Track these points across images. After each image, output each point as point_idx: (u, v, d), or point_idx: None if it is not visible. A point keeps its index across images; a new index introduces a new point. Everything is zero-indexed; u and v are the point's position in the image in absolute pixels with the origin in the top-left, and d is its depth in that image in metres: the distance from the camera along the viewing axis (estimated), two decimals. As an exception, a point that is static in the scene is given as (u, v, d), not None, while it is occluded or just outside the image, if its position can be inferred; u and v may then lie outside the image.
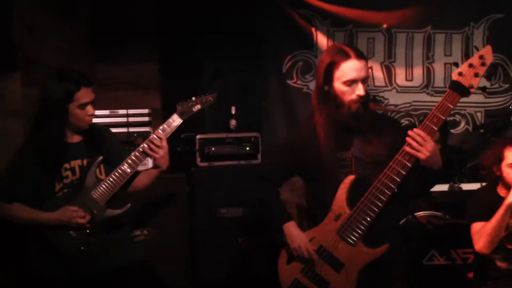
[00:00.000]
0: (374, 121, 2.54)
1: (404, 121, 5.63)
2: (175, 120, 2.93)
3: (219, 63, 5.51)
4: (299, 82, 5.62)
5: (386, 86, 5.72)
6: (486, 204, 3.22)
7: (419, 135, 2.29)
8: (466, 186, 4.31)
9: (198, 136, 4.25)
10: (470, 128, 5.68)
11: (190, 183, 4.15)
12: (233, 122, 4.59)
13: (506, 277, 3.16)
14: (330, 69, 2.45)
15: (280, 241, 2.66)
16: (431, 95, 5.74)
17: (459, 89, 2.26)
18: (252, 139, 4.35)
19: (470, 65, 2.26)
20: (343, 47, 2.48)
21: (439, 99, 5.68)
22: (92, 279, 2.78)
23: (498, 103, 5.69)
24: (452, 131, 5.37)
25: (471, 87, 2.25)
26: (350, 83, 2.42)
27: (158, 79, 5.05)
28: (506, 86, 5.69)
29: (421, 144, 2.28)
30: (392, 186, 2.35)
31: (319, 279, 2.51)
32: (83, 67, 4.46)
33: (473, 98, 5.68)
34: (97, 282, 2.79)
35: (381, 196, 2.36)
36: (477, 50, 2.29)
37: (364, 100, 2.45)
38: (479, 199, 3.36)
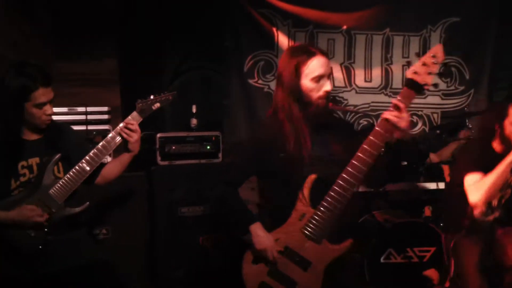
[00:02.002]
0: (333, 124, 2.63)
1: (363, 122, 5.72)
2: (135, 118, 2.91)
3: (181, 61, 5.48)
4: (260, 81, 5.64)
5: (346, 86, 5.79)
6: (480, 157, 3.18)
7: (397, 106, 2.34)
8: (423, 186, 4.38)
9: (158, 135, 4.21)
10: (427, 129, 5.80)
11: (150, 181, 4.11)
12: (194, 121, 4.57)
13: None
14: (298, 67, 2.48)
15: (243, 240, 2.62)
16: (390, 96, 5.84)
17: (414, 87, 2.32)
18: (213, 138, 4.33)
19: (424, 64, 2.31)
20: (307, 46, 2.58)
21: (397, 100, 5.84)
22: (50, 278, 2.73)
23: (454, 105, 5.82)
24: (410, 131, 5.46)
25: (425, 84, 2.32)
26: (318, 79, 2.49)
27: (118, 76, 4.98)
28: (462, 88, 5.83)
29: (399, 116, 2.34)
30: (354, 182, 2.39)
31: (286, 279, 2.51)
32: (44, 63, 4.38)
33: (429, 99, 5.82)
34: (55, 281, 2.74)
35: (344, 193, 2.40)
36: (418, 57, 2.34)
37: (329, 96, 2.54)
38: (473, 151, 3.31)
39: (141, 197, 4.04)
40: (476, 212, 3.09)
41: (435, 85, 2.36)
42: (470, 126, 4.65)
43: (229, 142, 4.63)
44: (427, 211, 4.48)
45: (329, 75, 2.53)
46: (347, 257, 2.56)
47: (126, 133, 2.87)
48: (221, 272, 3.93)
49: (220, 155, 4.36)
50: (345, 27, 5.79)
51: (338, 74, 5.81)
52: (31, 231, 2.70)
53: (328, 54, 2.59)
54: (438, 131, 5.18)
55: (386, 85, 5.83)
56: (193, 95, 5.34)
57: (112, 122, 4.10)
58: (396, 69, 5.84)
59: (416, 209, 4.41)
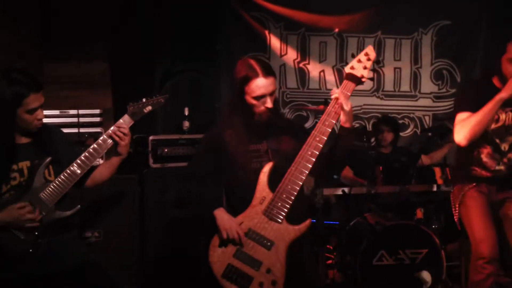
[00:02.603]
0: (284, 126, 2.88)
1: (355, 124, 5.73)
2: (126, 121, 2.91)
3: (173, 63, 5.49)
4: (252, 84, 5.64)
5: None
6: (477, 95, 3.15)
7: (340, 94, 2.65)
8: (414, 188, 4.39)
9: (150, 137, 4.21)
10: (418, 131, 5.83)
11: (143, 184, 4.10)
12: (186, 123, 4.57)
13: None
14: (243, 83, 2.72)
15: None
16: (381, 98, 5.87)
17: (353, 79, 2.69)
18: (205, 141, 4.32)
19: (359, 61, 2.69)
20: (253, 64, 2.74)
21: (389, 102, 5.90)
22: (41, 281, 2.72)
23: (445, 107, 5.85)
24: (401, 134, 5.48)
25: (362, 77, 2.68)
26: (259, 98, 2.71)
27: (109, 79, 4.97)
28: (453, 90, 5.86)
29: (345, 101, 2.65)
30: (309, 165, 2.63)
31: (252, 260, 2.65)
32: (32, 65, 4.36)
33: (421, 102, 5.87)
34: (46, 284, 2.73)
35: (299, 175, 2.63)
36: (353, 56, 2.72)
37: (273, 109, 2.77)
38: (471, 89, 3.33)
39: (133, 200, 4.03)
40: (483, 156, 3.13)
41: (371, 78, 2.76)
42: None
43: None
44: (419, 213, 4.49)
45: (271, 93, 2.74)
46: (308, 238, 2.76)
47: (117, 136, 2.88)
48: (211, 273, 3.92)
49: (212, 157, 4.34)
50: (337, 30, 5.83)
51: (330, 77, 5.84)
52: (21, 234, 2.68)
53: (274, 72, 2.78)
54: (429, 134, 5.21)
55: (378, 88, 5.86)
56: (185, 97, 5.35)
57: (104, 124, 4.09)
58: (388, 72, 5.87)
59: (407, 211, 4.42)
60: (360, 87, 5.89)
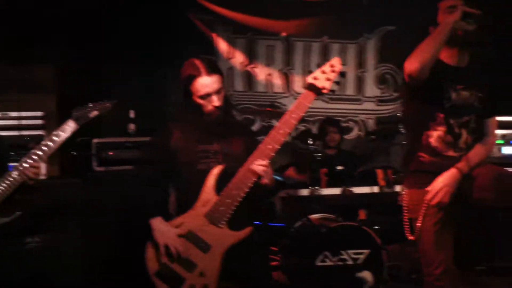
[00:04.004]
0: (236, 127, 2.93)
1: (301, 127, 5.81)
2: (70, 126, 2.88)
3: (120, 66, 5.43)
4: (199, 87, 5.64)
5: (284, 92, 5.88)
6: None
7: (264, 162, 2.62)
8: (357, 190, 4.49)
9: (94, 140, 4.16)
10: (362, 135, 5.96)
11: (86, 188, 4.05)
12: (132, 126, 4.54)
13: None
14: (188, 83, 2.74)
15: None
16: (327, 102, 5.97)
17: (314, 90, 2.64)
18: (153, 144, 4.30)
19: (323, 72, 2.64)
20: (196, 63, 2.76)
21: (334, 105, 5.98)
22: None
23: (388, 111, 6.00)
24: (345, 137, 5.58)
25: (323, 88, 2.63)
26: (205, 97, 2.72)
27: (55, 81, 4.89)
28: (396, 94, 6.01)
29: (264, 170, 2.63)
30: (252, 177, 2.63)
31: (186, 261, 2.65)
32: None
33: (365, 105, 6.00)
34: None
35: (246, 181, 2.63)
36: (318, 66, 2.71)
37: (223, 108, 2.78)
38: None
39: (76, 204, 3.97)
40: (432, 140, 2.75)
41: (332, 90, 2.67)
42: (404, 132, 4.78)
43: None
44: (362, 215, 4.59)
45: (217, 91, 2.74)
46: (249, 245, 2.73)
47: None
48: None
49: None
50: (284, 34, 5.89)
51: (276, 80, 5.90)
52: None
53: (219, 70, 2.81)
54: (373, 137, 5.33)
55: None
56: (133, 100, 5.30)
57: (47, 127, 4.02)
58: (341, 81, 5.94)
59: (351, 212, 4.51)
60: (306, 89, 5.97)
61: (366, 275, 3.98)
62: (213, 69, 2.76)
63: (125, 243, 4.06)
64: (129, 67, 5.37)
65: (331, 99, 5.95)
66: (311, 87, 2.65)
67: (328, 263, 3.98)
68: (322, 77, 2.63)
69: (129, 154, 4.29)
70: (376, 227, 4.42)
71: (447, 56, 2.77)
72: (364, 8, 5.93)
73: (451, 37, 2.68)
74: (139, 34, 5.35)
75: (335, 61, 2.69)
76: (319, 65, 5.71)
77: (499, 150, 4.76)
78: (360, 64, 6.01)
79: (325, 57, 5.87)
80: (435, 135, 2.74)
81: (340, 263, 3.99)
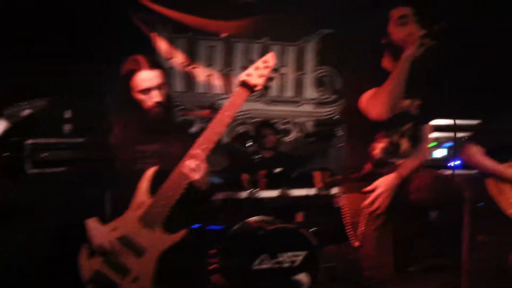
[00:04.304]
0: (174, 127, 2.88)
1: (241, 129, 5.83)
2: (1, 125, 2.79)
3: (55, 64, 5.28)
4: (138, 86, 5.56)
5: (224, 94, 5.87)
6: (372, 77, 2.78)
7: (196, 159, 2.58)
8: (294, 192, 4.53)
9: (27, 141, 4.04)
10: (301, 137, 6.02)
11: (19, 190, 3.93)
12: (67, 127, 4.44)
13: None
14: (128, 78, 2.69)
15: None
16: (268, 103, 6.00)
17: (247, 87, 2.60)
18: (88, 145, 4.22)
19: (256, 68, 2.59)
20: (137, 58, 2.72)
21: (274, 107, 6.02)
22: None
23: (327, 113, 6.09)
24: (285, 139, 5.63)
25: (256, 85, 2.59)
26: (146, 91, 2.67)
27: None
28: (334, 97, 6.11)
29: (196, 168, 2.58)
30: (187, 178, 2.58)
31: (120, 267, 2.61)
32: None
33: (304, 107, 6.06)
34: None
35: (180, 183, 2.59)
36: (252, 62, 2.68)
37: (165, 104, 2.72)
38: (364, 73, 2.95)
39: (8, 207, 3.85)
40: (377, 151, 2.83)
41: (266, 87, 2.63)
42: (341, 134, 4.87)
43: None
44: (299, 217, 4.64)
45: (158, 86, 2.70)
46: (186, 248, 2.70)
47: None
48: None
49: (95, 162, 4.25)
50: (224, 34, 5.88)
51: (217, 81, 5.89)
52: None
53: (161, 66, 2.77)
54: (311, 139, 5.40)
55: (263, 93, 5.96)
56: (68, 99, 5.17)
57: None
58: (275, 77, 5.97)
59: (288, 215, 4.56)
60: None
61: (303, 277, 4.03)
62: (154, 64, 2.72)
63: (59, 248, 3.98)
64: (65, 66, 5.22)
65: (271, 101, 5.99)
66: (244, 84, 2.60)
67: (266, 265, 4.00)
68: (255, 73, 2.58)
69: (65, 155, 4.19)
70: (313, 229, 4.48)
71: (390, 67, 2.80)
72: (304, 10, 5.98)
73: (395, 49, 2.73)
74: (76, 31, 5.22)
75: (269, 57, 2.63)
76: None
77: (431, 153, 4.90)
78: (300, 66, 6.07)
79: (264, 59, 5.89)
80: (379, 147, 2.83)
81: (277, 265, 4.02)
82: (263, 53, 5.86)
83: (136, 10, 5.60)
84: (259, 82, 2.58)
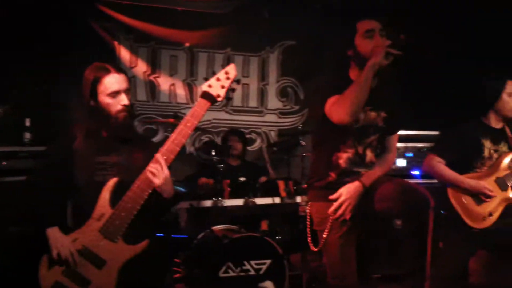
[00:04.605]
0: (135, 138, 2.84)
1: (204, 138, 5.82)
2: None
3: (14, 73, 5.18)
4: (100, 95, 5.50)
5: (188, 103, 5.86)
6: (339, 87, 2.77)
7: (158, 164, 2.58)
8: (259, 201, 4.54)
9: (-14, 150, 3.94)
10: (264, 146, 6.05)
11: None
12: (27, 135, 4.36)
13: None
14: (95, 83, 2.67)
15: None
16: (230, 113, 6.02)
17: (209, 98, 2.62)
18: (49, 154, 4.14)
19: (218, 79, 2.63)
20: (103, 64, 2.73)
21: (237, 117, 6.05)
22: None
23: (290, 123, 6.15)
24: (249, 148, 5.64)
25: (218, 96, 2.62)
26: (114, 94, 2.67)
27: None
28: (297, 107, 6.18)
29: (156, 172, 2.58)
30: (152, 184, 2.58)
31: (80, 278, 2.57)
32: None
33: (267, 117, 6.11)
34: None
35: (141, 194, 2.58)
36: (214, 73, 2.66)
37: (130, 110, 2.74)
38: (330, 82, 2.96)
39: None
40: (342, 161, 2.85)
41: (228, 98, 2.61)
42: (304, 144, 4.92)
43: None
44: (264, 225, 4.65)
45: (126, 90, 2.71)
46: (148, 259, 2.66)
47: None
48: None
49: (55, 171, 4.18)
50: (187, 44, 5.88)
51: (180, 90, 5.88)
52: None
53: (125, 72, 2.79)
54: (275, 148, 5.43)
55: (226, 103, 5.99)
56: (27, 108, 5.07)
57: None
58: (237, 88, 6.01)
59: (253, 223, 4.56)
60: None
61: (268, 285, 4.03)
62: (120, 69, 2.75)
63: (18, 259, 3.88)
64: (25, 74, 5.13)
65: (235, 110, 6.02)
66: (205, 95, 2.63)
67: (231, 274, 3.99)
68: (217, 84, 2.61)
69: (24, 164, 4.11)
70: (278, 237, 4.49)
71: (356, 69, 2.86)
72: (266, 21, 6.05)
73: (361, 61, 2.78)
74: (37, 39, 5.14)
75: (230, 68, 2.66)
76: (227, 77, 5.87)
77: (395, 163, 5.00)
78: (263, 77, 6.12)
79: (228, 69, 5.92)
80: (344, 157, 2.87)
81: (242, 273, 4.01)
82: (226, 63, 5.93)
83: (98, 19, 5.55)
84: (221, 93, 2.61)
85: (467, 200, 3.50)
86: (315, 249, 2.93)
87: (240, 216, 4.53)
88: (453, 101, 5.19)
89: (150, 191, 2.58)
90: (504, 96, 3.57)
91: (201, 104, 2.62)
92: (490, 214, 3.49)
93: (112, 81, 2.66)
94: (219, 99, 2.63)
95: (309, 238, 2.99)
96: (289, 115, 6.18)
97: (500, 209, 3.51)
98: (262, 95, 6.13)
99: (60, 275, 2.58)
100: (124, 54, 5.69)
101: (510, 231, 3.51)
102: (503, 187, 3.52)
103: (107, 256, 2.58)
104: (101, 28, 5.59)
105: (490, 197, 3.46)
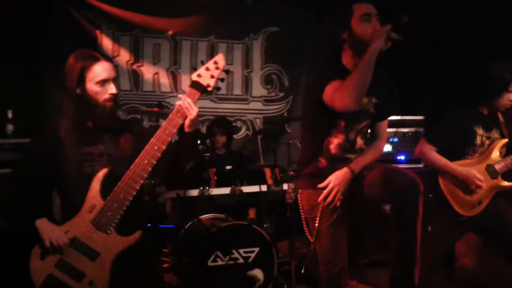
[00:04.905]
0: (121, 126, 2.82)
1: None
2: None
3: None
4: (82, 85, 5.44)
5: (172, 92, 5.83)
6: (334, 73, 2.72)
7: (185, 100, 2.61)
8: (246, 189, 4.53)
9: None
10: (250, 134, 6.04)
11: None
12: (10, 127, 4.31)
13: None
14: (83, 70, 2.61)
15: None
16: (215, 102, 5.99)
17: (199, 87, 2.64)
18: (33, 145, 4.10)
19: (207, 69, 2.65)
20: (90, 52, 2.69)
21: (222, 105, 6.03)
22: None
23: (275, 110, 6.14)
24: (234, 136, 5.63)
25: (208, 86, 2.64)
26: (103, 83, 2.63)
27: None
28: (282, 94, 6.18)
29: (189, 106, 2.60)
30: (144, 174, 2.56)
31: (74, 271, 2.54)
32: None
33: (252, 105, 6.10)
34: None
35: (133, 184, 2.55)
36: (203, 63, 2.69)
37: (117, 99, 2.72)
38: (324, 68, 2.85)
39: None
40: (332, 146, 2.82)
41: (217, 88, 2.72)
42: (290, 131, 4.91)
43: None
44: (251, 213, 4.65)
45: (113, 79, 2.68)
46: (140, 250, 2.64)
47: None
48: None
49: (41, 163, 4.14)
50: (170, 32, 5.83)
51: (164, 79, 5.84)
52: None
53: (112, 60, 2.71)
54: (260, 136, 5.42)
55: (211, 91, 5.93)
56: (9, 99, 5.00)
57: None
58: (221, 75, 5.97)
59: (241, 211, 4.56)
60: (194, 89, 5.93)
61: (257, 272, 4.04)
62: (107, 57, 2.72)
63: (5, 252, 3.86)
64: (6, 65, 5.05)
65: (219, 99, 6.00)
66: (195, 85, 2.64)
67: (220, 262, 3.99)
68: (207, 74, 2.63)
69: (7, 156, 4.08)
70: (266, 225, 4.50)
71: (350, 64, 2.81)
72: (249, 8, 6.01)
73: (357, 45, 2.74)
74: (17, 29, 5.05)
75: (219, 58, 2.68)
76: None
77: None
78: (247, 64, 6.10)
79: (212, 57, 5.87)
80: (335, 143, 2.83)
81: (231, 262, 4.01)
82: (210, 51, 5.90)
83: (79, 7, 5.47)
84: (210, 82, 2.63)
85: (457, 187, 3.52)
86: (311, 239, 2.91)
87: (227, 205, 4.53)
88: (441, 88, 5.21)
89: (142, 182, 2.56)
90: (504, 94, 3.51)
91: (190, 93, 2.62)
92: (480, 202, 3.52)
93: (101, 69, 2.62)
94: (209, 88, 2.63)
95: (305, 227, 2.96)
96: (274, 102, 6.17)
97: (489, 197, 3.54)
98: (246, 82, 6.11)
99: (53, 268, 2.54)
100: (107, 43, 5.62)
101: (497, 216, 3.54)
102: (493, 175, 3.54)
103: (100, 247, 2.55)
104: (82, 16, 5.50)
105: (479, 187, 3.48)
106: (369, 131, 2.98)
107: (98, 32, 5.59)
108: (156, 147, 2.56)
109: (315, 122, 2.88)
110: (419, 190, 2.63)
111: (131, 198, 2.56)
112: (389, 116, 3.04)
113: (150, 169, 2.57)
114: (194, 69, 2.70)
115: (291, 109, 6.12)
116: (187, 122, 2.62)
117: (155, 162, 2.56)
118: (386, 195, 2.71)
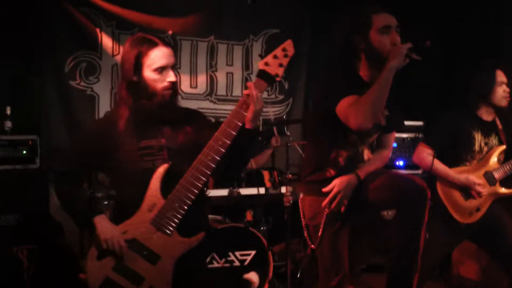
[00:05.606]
0: (182, 116, 2.59)
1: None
2: None
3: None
4: (82, 83, 5.43)
5: (173, 91, 5.79)
6: (349, 84, 2.68)
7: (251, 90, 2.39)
8: (244, 191, 4.51)
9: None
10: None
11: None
12: (8, 124, 4.31)
13: None
14: (139, 58, 2.44)
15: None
16: (214, 102, 5.97)
17: (266, 78, 2.40)
18: (30, 142, 4.13)
19: (275, 56, 2.40)
20: (148, 36, 2.51)
21: (221, 106, 6.01)
22: None
23: (274, 113, 6.09)
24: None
25: (277, 76, 2.40)
26: (161, 70, 2.44)
27: None
28: (282, 97, 6.16)
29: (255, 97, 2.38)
30: (207, 171, 2.37)
31: (133, 274, 2.37)
32: None
33: (252, 107, 6.06)
34: None
35: (195, 182, 2.37)
36: (261, 57, 2.44)
37: (176, 87, 2.51)
38: (338, 77, 2.78)
39: None
40: (341, 159, 2.78)
41: (284, 77, 2.43)
42: (289, 133, 4.89)
43: (46, 146, 4.44)
44: (249, 216, 4.62)
45: (173, 66, 2.50)
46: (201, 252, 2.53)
47: None
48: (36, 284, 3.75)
49: (37, 160, 4.15)
50: (170, 32, 5.81)
51: (164, 78, 5.80)
52: None
53: (171, 45, 2.57)
54: (259, 138, 5.39)
55: (211, 92, 5.95)
56: (6, 96, 4.98)
57: None
58: (221, 76, 5.98)
59: (238, 214, 4.53)
60: (194, 90, 5.99)
61: (253, 276, 4.01)
62: (166, 42, 2.52)
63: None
64: (4, 61, 5.03)
65: (219, 100, 5.97)
66: (262, 75, 2.41)
67: (216, 265, 3.97)
68: (275, 62, 2.39)
69: (5, 153, 4.11)
70: (263, 228, 4.48)
71: (366, 76, 2.75)
72: (250, 10, 5.99)
73: (373, 56, 2.67)
74: (16, 26, 5.03)
75: (288, 45, 2.44)
76: (207, 65, 5.83)
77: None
78: (247, 65, 6.08)
79: (212, 57, 5.89)
80: (344, 155, 2.79)
81: (227, 264, 3.99)
82: (210, 51, 5.88)
83: (78, 5, 5.44)
84: (279, 71, 2.40)
85: (455, 194, 3.51)
86: (313, 247, 2.87)
87: (225, 207, 4.51)
88: (440, 92, 5.20)
89: (205, 180, 2.37)
90: (496, 87, 3.54)
91: (258, 84, 2.40)
92: (478, 209, 3.51)
93: (159, 55, 2.43)
94: (278, 79, 2.42)
95: (305, 233, 2.92)
96: (274, 105, 6.14)
97: (487, 204, 3.52)
98: (246, 84, 6.08)
99: (110, 271, 2.37)
100: (107, 41, 5.59)
101: (494, 224, 3.53)
102: (492, 181, 3.53)
103: (161, 250, 2.37)
104: (82, 14, 5.47)
105: (480, 194, 3.46)
106: (375, 142, 2.96)
107: (98, 30, 5.56)
108: (220, 142, 2.36)
109: (324, 132, 2.81)
110: (426, 196, 2.58)
111: (194, 197, 2.37)
112: (399, 128, 3.00)
113: (214, 166, 2.36)
114: (260, 56, 2.48)
115: (290, 112, 6.10)
116: (248, 115, 2.40)
117: (218, 159, 2.36)
118: (393, 198, 2.66)
